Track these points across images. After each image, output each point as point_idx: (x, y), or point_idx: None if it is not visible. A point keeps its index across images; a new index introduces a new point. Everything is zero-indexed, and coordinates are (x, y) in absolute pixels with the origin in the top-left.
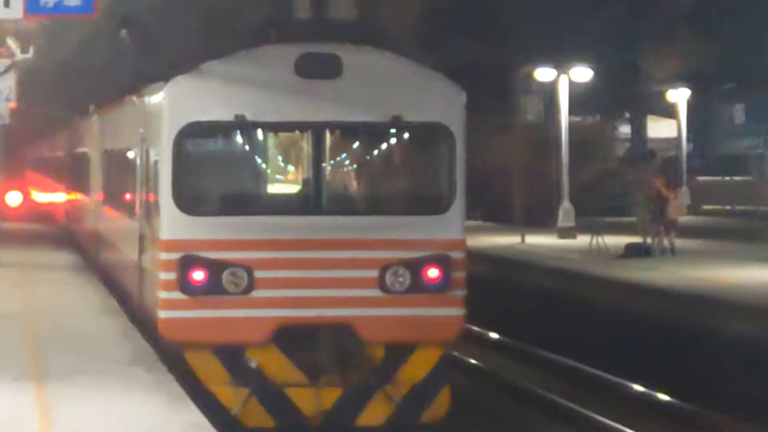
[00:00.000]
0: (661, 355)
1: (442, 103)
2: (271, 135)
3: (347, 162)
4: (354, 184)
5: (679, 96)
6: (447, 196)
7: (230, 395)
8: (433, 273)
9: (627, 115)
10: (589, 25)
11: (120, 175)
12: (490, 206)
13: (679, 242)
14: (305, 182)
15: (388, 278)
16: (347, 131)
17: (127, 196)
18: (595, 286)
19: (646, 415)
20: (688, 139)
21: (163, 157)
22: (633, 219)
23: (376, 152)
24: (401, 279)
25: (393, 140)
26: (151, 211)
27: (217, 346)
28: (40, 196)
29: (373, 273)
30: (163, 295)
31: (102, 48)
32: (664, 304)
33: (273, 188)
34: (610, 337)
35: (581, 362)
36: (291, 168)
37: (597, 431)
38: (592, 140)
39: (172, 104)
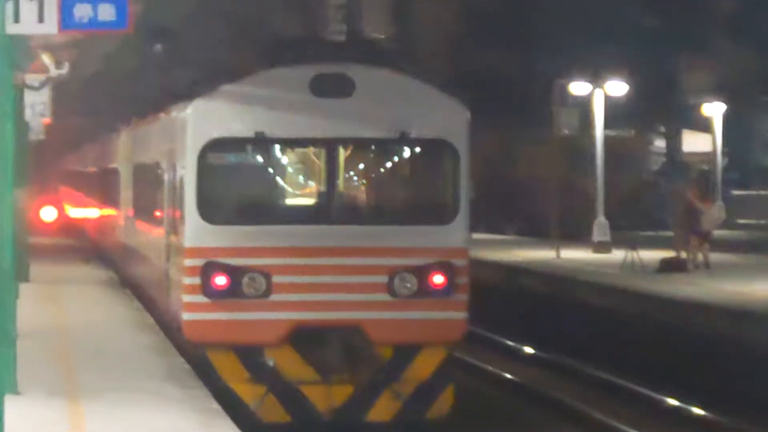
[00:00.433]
0: (716, 371)
1: (447, 120)
2: (287, 150)
3: (358, 175)
4: (365, 196)
5: (715, 110)
6: (451, 208)
7: (249, 392)
8: (438, 279)
9: (662, 129)
10: (624, 38)
11: (149, 188)
12: (524, 220)
13: (714, 256)
14: (319, 194)
15: (396, 283)
16: (358, 146)
17: (155, 208)
18: (636, 302)
19: None
20: (724, 154)
21: (187, 170)
22: (668, 233)
23: (385, 166)
24: (408, 284)
25: (401, 155)
26: (176, 220)
27: (237, 346)
28: (74, 212)
29: (382, 279)
30: (187, 298)
31: (129, 59)
32: (707, 318)
33: (289, 199)
34: (658, 353)
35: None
36: (306, 180)
37: None
38: (628, 154)
39: (196, 122)
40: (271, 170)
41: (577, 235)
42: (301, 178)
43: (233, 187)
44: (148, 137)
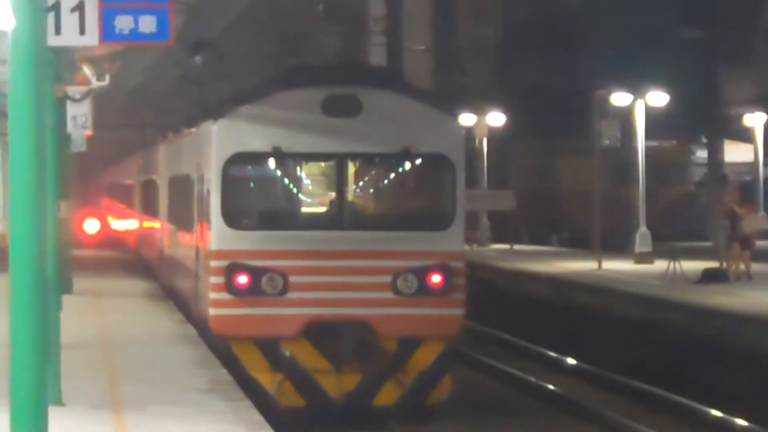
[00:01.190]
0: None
1: (444, 136)
2: (302, 164)
3: (365, 186)
4: (371, 204)
5: (756, 120)
6: (449, 215)
7: (268, 380)
8: (436, 279)
9: (704, 139)
10: (665, 48)
11: (181, 197)
12: (567, 231)
13: (756, 267)
14: (330, 203)
15: (399, 283)
16: (365, 161)
17: (187, 216)
18: (677, 313)
19: None
20: (766, 164)
21: (213, 181)
22: (709, 243)
23: (389, 178)
24: (410, 283)
25: (403, 168)
26: (204, 226)
27: (258, 338)
28: (117, 223)
29: (387, 278)
30: (212, 295)
31: (169, 72)
32: (754, 331)
33: (304, 207)
34: (704, 366)
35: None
36: (318, 191)
37: None
38: (669, 165)
39: (221, 138)
40: (287, 181)
41: (620, 246)
42: (314, 189)
43: (253, 197)
44: (181, 151)
